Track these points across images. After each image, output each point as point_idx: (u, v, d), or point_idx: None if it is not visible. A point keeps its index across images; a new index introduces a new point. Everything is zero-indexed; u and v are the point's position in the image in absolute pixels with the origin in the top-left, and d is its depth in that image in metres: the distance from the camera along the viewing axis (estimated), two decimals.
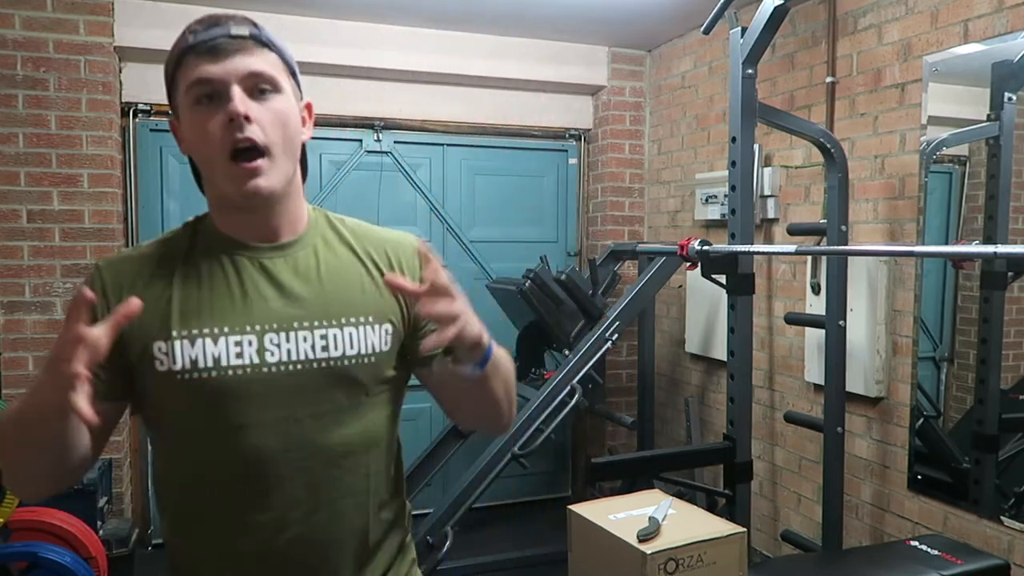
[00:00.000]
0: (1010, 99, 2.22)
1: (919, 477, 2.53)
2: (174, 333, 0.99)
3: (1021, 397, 2.27)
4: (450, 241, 4.11)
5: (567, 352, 3.30)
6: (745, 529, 1.43)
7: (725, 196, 2.71)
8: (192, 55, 0.98)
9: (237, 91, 0.97)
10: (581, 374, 3.08)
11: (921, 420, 2.54)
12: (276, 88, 1.01)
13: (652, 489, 1.80)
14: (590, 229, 4.32)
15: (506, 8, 3.46)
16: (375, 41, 3.66)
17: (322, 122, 3.41)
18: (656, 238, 4.08)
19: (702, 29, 2.52)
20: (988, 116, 2.28)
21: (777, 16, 2.36)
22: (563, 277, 3.34)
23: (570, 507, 1.64)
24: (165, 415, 1.04)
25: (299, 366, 1.03)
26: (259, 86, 0.99)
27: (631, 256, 3.72)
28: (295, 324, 1.03)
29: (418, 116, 3.94)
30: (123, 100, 3.45)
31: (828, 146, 2.57)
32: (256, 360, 1.01)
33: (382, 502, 1.12)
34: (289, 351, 1.02)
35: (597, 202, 4.25)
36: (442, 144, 4.04)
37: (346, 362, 1.05)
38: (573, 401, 3.07)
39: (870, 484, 2.73)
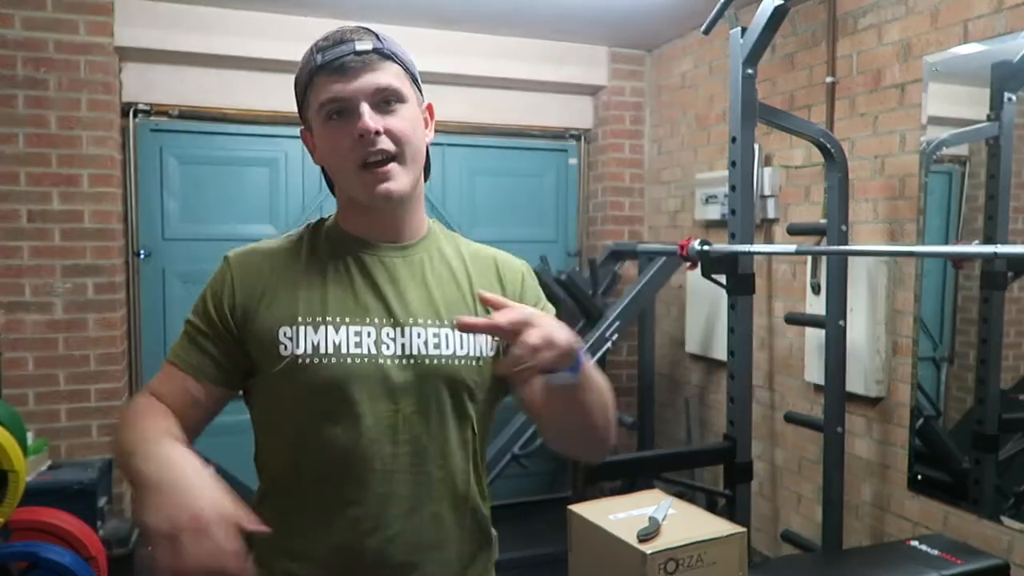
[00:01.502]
0: (1010, 99, 2.22)
1: (919, 477, 2.53)
2: (299, 319, 1.04)
3: (1021, 397, 2.27)
4: None
5: None
6: (745, 529, 1.43)
7: (725, 196, 2.71)
8: (322, 75, 1.03)
9: (366, 108, 1.02)
10: None
11: (921, 420, 2.53)
12: (400, 98, 1.06)
13: (652, 489, 1.80)
14: (590, 229, 4.32)
15: (506, 8, 3.45)
16: None
17: None
18: (656, 238, 4.08)
19: (702, 29, 2.52)
20: (988, 116, 2.28)
21: (777, 16, 2.35)
22: (563, 277, 3.34)
23: (570, 507, 1.64)
24: (281, 400, 1.06)
25: (412, 361, 1.05)
26: (385, 99, 1.04)
27: (631, 256, 3.72)
28: (411, 320, 1.06)
29: None
30: (123, 100, 3.45)
31: (828, 146, 2.57)
32: (373, 351, 1.04)
33: (475, 514, 1.13)
34: (403, 346, 1.05)
35: (597, 202, 4.24)
36: (442, 144, 4.04)
37: (456, 362, 1.08)
38: None
39: (870, 484, 2.73)
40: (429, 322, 1.07)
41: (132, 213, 3.52)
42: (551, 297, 3.74)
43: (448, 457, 1.07)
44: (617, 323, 3.17)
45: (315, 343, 1.02)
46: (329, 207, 1.20)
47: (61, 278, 3.20)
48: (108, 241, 3.27)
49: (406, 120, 1.06)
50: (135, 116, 3.51)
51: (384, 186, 1.03)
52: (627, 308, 3.22)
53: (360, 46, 1.04)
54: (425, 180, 1.17)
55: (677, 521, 1.44)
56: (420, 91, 1.13)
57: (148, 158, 3.58)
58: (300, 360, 1.02)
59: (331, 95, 1.02)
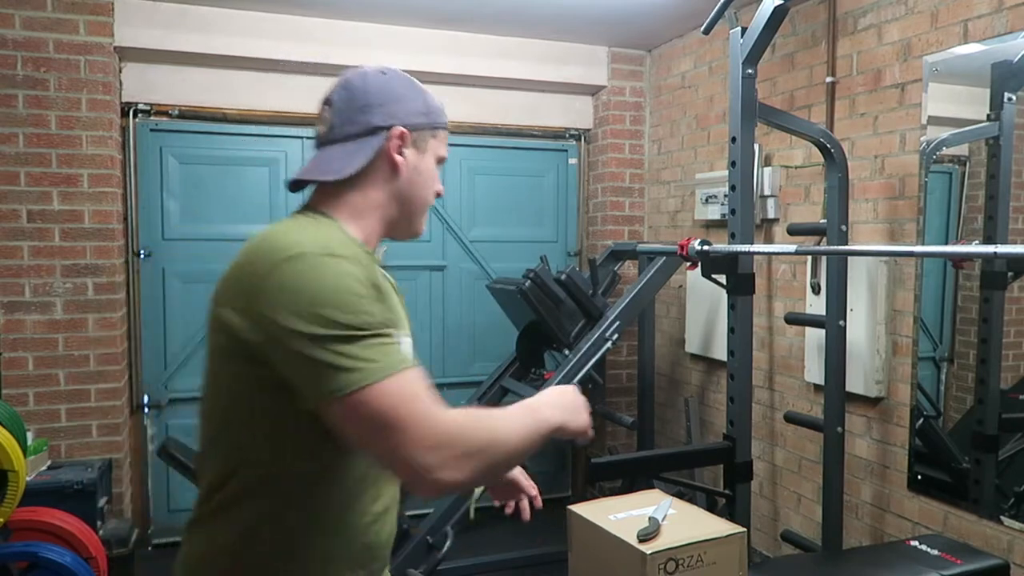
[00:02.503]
0: (1010, 99, 2.22)
1: (919, 477, 2.53)
2: (404, 330, 1.11)
3: (1021, 397, 2.27)
4: (450, 241, 4.11)
5: (567, 352, 3.29)
6: (745, 529, 1.43)
7: (725, 196, 2.71)
8: (442, 134, 1.24)
9: None
10: (581, 374, 3.08)
11: (921, 420, 2.54)
12: None
13: (652, 489, 1.80)
14: (590, 229, 4.32)
15: (506, 8, 3.46)
16: (375, 41, 3.66)
17: None
18: (656, 238, 4.08)
19: (702, 29, 2.52)
20: (988, 116, 2.28)
21: (777, 16, 2.35)
22: (563, 277, 3.34)
23: (570, 507, 1.64)
24: None
25: None
26: None
27: (631, 256, 3.72)
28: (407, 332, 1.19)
29: None
30: (123, 100, 3.46)
31: (828, 146, 2.57)
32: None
33: None
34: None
35: (597, 202, 4.25)
36: None
37: None
38: None
39: (870, 484, 2.73)
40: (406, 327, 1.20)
41: (132, 213, 3.52)
42: (551, 297, 3.69)
43: None
44: (617, 323, 3.17)
45: (410, 355, 1.09)
46: None
47: (61, 278, 3.20)
48: (108, 241, 3.27)
49: None
50: (135, 116, 3.52)
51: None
52: (627, 308, 3.22)
53: None
54: None
55: (677, 521, 1.44)
56: None
57: (148, 158, 3.58)
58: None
59: (446, 155, 1.25)
